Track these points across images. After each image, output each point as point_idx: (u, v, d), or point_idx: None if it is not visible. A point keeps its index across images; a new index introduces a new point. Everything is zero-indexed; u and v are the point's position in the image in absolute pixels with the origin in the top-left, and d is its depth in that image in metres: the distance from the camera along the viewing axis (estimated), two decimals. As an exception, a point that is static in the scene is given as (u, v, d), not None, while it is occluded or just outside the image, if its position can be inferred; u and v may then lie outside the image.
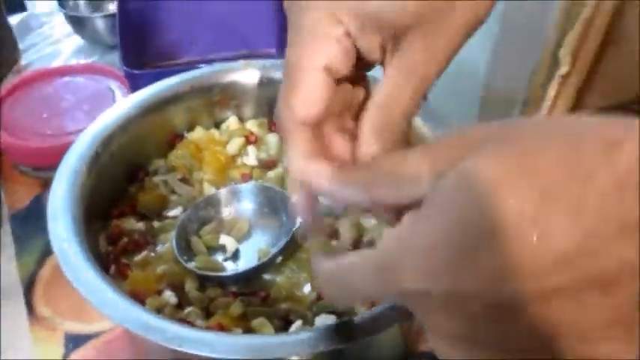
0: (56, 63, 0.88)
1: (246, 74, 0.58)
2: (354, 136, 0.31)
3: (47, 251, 0.60)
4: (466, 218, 0.17)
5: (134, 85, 0.67)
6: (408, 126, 0.29)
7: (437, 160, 0.21)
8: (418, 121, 0.52)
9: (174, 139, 0.57)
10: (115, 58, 0.81)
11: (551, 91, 0.44)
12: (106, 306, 0.37)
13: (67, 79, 0.80)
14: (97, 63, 0.83)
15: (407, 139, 0.29)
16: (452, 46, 0.29)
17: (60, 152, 0.67)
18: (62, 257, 0.39)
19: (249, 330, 0.42)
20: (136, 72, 0.65)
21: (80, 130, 0.69)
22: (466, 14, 0.28)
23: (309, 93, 0.29)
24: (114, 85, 0.78)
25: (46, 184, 0.68)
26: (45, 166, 0.69)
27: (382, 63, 0.30)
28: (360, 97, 0.32)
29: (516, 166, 0.17)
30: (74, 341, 0.53)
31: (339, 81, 0.31)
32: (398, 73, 0.29)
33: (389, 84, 0.29)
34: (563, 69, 0.42)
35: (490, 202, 0.16)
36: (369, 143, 0.29)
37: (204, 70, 0.58)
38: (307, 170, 0.29)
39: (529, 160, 0.16)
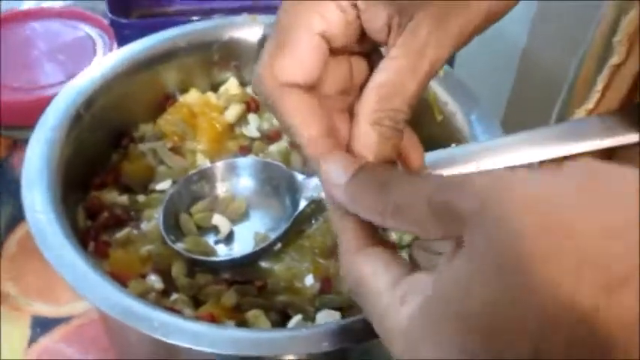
0: (27, 5, 0.90)
1: (250, 31, 0.59)
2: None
3: (14, 221, 0.62)
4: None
5: (120, 35, 0.68)
6: (410, 113, 0.30)
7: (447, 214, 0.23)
8: (444, 96, 0.54)
9: (165, 101, 0.58)
10: (95, 2, 0.82)
11: (601, 82, 0.46)
12: (84, 287, 0.39)
13: (39, 23, 0.81)
14: (75, 6, 0.84)
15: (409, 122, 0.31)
16: (468, 29, 0.29)
17: (30, 109, 0.69)
18: (37, 231, 0.41)
19: (242, 322, 0.44)
20: (124, 21, 0.66)
21: (54, 85, 0.72)
22: None
23: (299, 54, 0.30)
24: (94, 32, 0.80)
25: (15, 145, 0.70)
26: (12, 124, 0.71)
27: (387, 43, 0.31)
28: (363, 77, 0.34)
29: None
30: (42, 325, 0.55)
31: (338, 54, 0.32)
32: (402, 56, 0.29)
33: (391, 67, 0.30)
34: (616, 58, 0.43)
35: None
36: (366, 132, 0.30)
37: (202, 23, 0.59)
38: (317, 159, 0.30)
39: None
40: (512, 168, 0.24)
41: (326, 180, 0.29)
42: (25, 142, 0.69)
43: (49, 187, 0.45)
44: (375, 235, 0.28)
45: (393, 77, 0.30)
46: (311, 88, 0.32)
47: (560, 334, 0.19)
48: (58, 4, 0.88)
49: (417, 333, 0.23)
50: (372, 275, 0.26)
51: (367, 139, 0.30)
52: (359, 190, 0.27)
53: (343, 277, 0.28)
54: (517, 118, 0.87)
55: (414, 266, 0.26)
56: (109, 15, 0.67)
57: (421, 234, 0.25)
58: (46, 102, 0.68)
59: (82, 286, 0.39)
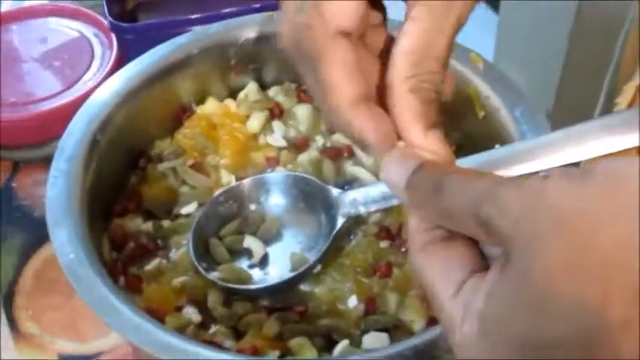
0: (13, 3, 0.95)
1: (268, 30, 0.65)
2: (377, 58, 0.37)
3: (27, 254, 0.70)
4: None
5: (122, 40, 0.75)
6: (445, 69, 0.35)
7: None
8: (486, 90, 0.60)
9: (182, 114, 0.65)
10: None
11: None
12: (124, 327, 0.46)
13: (26, 25, 0.88)
14: (69, 3, 0.90)
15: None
16: None
17: (29, 127, 0.77)
18: (70, 272, 0.49)
19: (286, 352, 0.51)
20: (125, 25, 0.73)
21: (53, 96, 0.79)
22: None
23: None
24: (89, 32, 0.87)
25: (16, 167, 0.78)
26: (11, 144, 0.78)
27: None
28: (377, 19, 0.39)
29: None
30: (70, 363, 0.63)
31: None
32: (427, 15, 0.34)
33: (417, 29, 0.34)
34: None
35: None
36: (407, 101, 0.35)
37: (215, 26, 0.66)
38: (387, 161, 0.35)
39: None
40: (545, 176, 0.29)
41: (387, 180, 0.34)
42: (27, 162, 0.77)
43: (75, 224, 0.52)
44: (439, 229, 0.33)
45: (421, 40, 0.34)
46: (358, 38, 0.36)
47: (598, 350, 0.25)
48: (43, 2, 0.94)
49: (479, 353, 0.29)
50: (432, 284, 0.31)
51: (410, 108, 0.35)
52: (415, 194, 0.32)
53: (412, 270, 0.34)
54: (567, 106, 0.93)
55: (475, 262, 0.31)
56: (109, 18, 0.74)
57: (475, 238, 0.31)
58: (45, 117, 0.76)
59: (123, 326, 0.47)
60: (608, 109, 0.73)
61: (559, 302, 0.26)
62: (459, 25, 0.35)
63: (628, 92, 0.62)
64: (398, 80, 0.35)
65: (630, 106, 0.63)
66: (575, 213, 0.26)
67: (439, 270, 0.31)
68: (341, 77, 0.36)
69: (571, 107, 1.00)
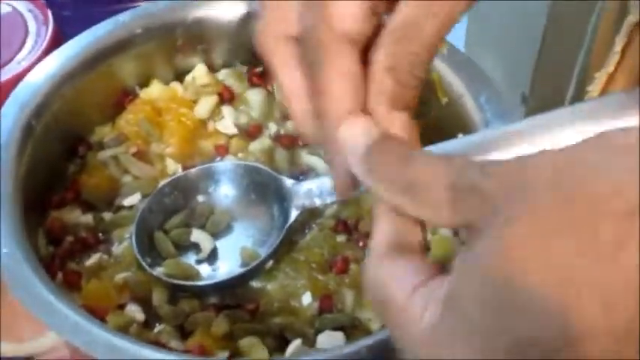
0: None
1: (219, 9, 0.67)
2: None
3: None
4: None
5: (59, 17, 0.76)
6: (430, 60, 0.36)
7: (459, 201, 0.30)
8: (450, 75, 0.62)
9: (124, 98, 0.66)
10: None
11: (619, 42, 0.54)
12: (64, 327, 0.48)
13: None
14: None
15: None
16: None
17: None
18: (5, 269, 0.50)
19: (236, 352, 0.53)
20: (63, 0, 0.74)
21: (-17, 78, 0.79)
22: None
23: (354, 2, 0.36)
24: (22, 7, 0.87)
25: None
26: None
27: None
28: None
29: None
30: (4, 366, 0.64)
31: None
32: None
33: (408, 7, 0.35)
34: (633, 17, 0.52)
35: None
36: (380, 78, 0.36)
37: (160, 3, 0.67)
38: (347, 125, 0.36)
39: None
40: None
41: (344, 143, 0.35)
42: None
43: (8, 216, 0.53)
44: (408, 242, 0.34)
45: (409, 18, 0.35)
46: (362, 47, 0.38)
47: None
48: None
49: (439, 345, 0.29)
50: (393, 282, 0.32)
51: (382, 85, 0.36)
52: (376, 160, 0.33)
53: (364, 280, 0.34)
54: (544, 89, 0.96)
55: (435, 271, 0.32)
56: (45, -8, 0.74)
57: (432, 218, 0.32)
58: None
59: (60, 326, 0.48)
60: (578, 97, 0.75)
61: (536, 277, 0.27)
62: (452, 12, 0.36)
63: (599, 80, 0.64)
64: (377, 56, 0.36)
65: (602, 94, 0.66)
66: (571, 163, 0.27)
67: (403, 271, 0.33)
68: (342, 88, 0.37)
69: (548, 91, 1.03)
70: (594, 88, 0.65)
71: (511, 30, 1.23)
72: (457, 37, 1.55)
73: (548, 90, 0.98)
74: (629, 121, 0.46)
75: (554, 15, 0.94)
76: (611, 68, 0.56)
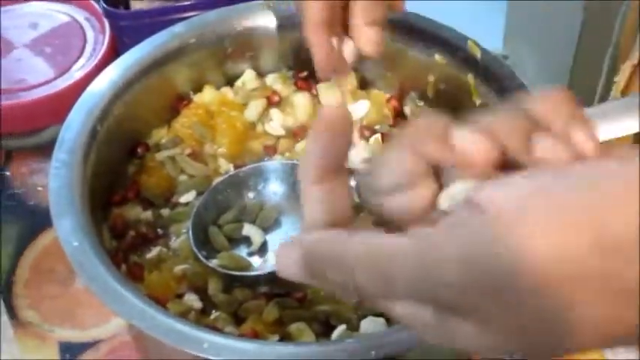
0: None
1: (265, 18, 0.71)
2: None
3: (23, 243, 0.76)
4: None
5: (116, 27, 0.81)
6: None
7: None
8: (483, 77, 0.66)
9: (178, 103, 0.71)
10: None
11: (640, 41, 0.58)
12: (131, 314, 0.52)
13: (19, 8, 0.93)
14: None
15: None
16: None
17: (23, 114, 0.83)
18: (75, 261, 0.54)
19: (286, 336, 0.57)
20: (120, 11, 0.79)
21: (46, 83, 0.85)
22: None
23: None
24: (80, 16, 0.92)
25: (9, 155, 0.83)
26: (3, 132, 0.84)
27: None
28: None
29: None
30: (70, 351, 0.69)
31: None
32: None
33: None
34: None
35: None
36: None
37: (211, 14, 0.71)
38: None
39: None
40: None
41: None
42: (20, 150, 0.83)
43: (78, 213, 0.58)
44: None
45: None
46: None
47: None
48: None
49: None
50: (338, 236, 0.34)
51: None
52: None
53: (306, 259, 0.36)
54: (582, 87, 1.00)
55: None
56: (102, 4, 0.79)
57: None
58: (38, 105, 0.82)
59: (128, 312, 0.52)
60: (607, 87, 0.79)
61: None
62: None
63: (625, 71, 0.68)
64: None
65: (628, 84, 0.69)
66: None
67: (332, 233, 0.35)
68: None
69: (584, 84, 1.06)
70: (621, 79, 0.69)
71: (549, 26, 1.26)
72: (496, 33, 1.59)
73: (584, 83, 1.01)
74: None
75: (590, 11, 0.98)
76: (635, 61, 0.60)
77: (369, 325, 0.58)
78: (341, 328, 0.58)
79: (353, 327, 0.58)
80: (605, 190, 0.30)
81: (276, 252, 0.39)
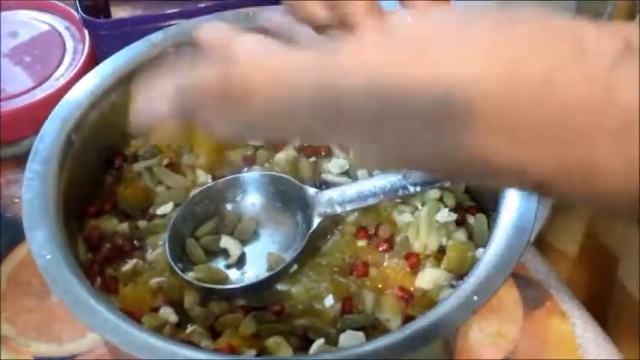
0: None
1: (247, 26, 0.70)
2: None
3: (0, 255, 0.75)
4: None
5: (95, 35, 0.80)
6: None
7: None
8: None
9: (156, 113, 0.70)
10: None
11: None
12: (104, 328, 0.51)
13: (-2, 16, 0.92)
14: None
15: None
16: None
17: (1, 124, 0.82)
18: (47, 273, 0.53)
19: (263, 351, 0.56)
20: (99, 20, 0.78)
21: (24, 93, 0.84)
22: None
23: None
24: (60, 25, 0.92)
25: (-12, 167, 0.82)
26: (-19, 141, 0.83)
27: None
28: None
29: None
30: (46, 366, 0.68)
31: None
32: None
33: None
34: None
35: None
36: None
37: (190, 23, 0.70)
38: None
39: None
40: None
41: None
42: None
43: (51, 225, 0.56)
44: None
45: None
46: None
47: None
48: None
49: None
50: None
51: None
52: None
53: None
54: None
55: None
56: (81, 13, 0.78)
57: None
58: (16, 115, 0.81)
59: (101, 327, 0.51)
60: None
61: None
62: None
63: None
64: None
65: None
66: None
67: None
68: None
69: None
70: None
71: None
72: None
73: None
74: None
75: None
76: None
77: (348, 339, 0.57)
78: (319, 342, 0.57)
79: (331, 341, 0.57)
80: (520, 31, 0.32)
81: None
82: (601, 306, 0.77)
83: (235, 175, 0.66)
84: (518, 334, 0.69)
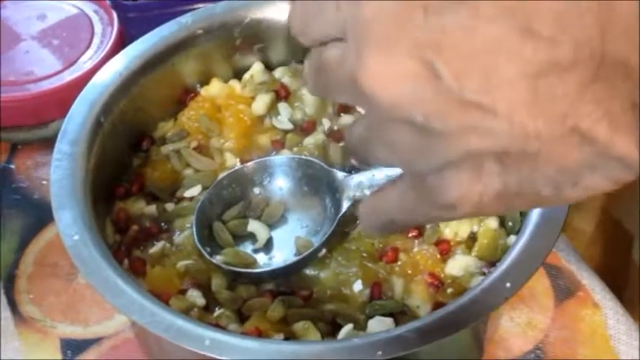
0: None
1: (274, 9, 0.70)
2: None
3: (27, 237, 0.75)
4: None
5: (124, 18, 0.80)
6: None
7: None
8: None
9: (185, 95, 0.70)
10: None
11: None
12: (131, 309, 0.51)
13: (19, 1, 0.92)
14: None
15: None
16: None
17: (28, 107, 0.82)
18: (75, 254, 0.53)
19: (290, 335, 0.56)
20: (128, 3, 0.78)
21: (52, 75, 0.84)
22: None
23: None
24: (88, 8, 0.91)
25: (14, 148, 0.83)
26: (9, 124, 0.83)
27: None
28: None
29: None
30: (72, 348, 0.68)
31: None
32: None
33: None
34: None
35: None
36: None
37: (219, 5, 0.70)
38: None
39: None
40: None
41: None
42: (25, 143, 0.82)
43: (79, 206, 0.57)
44: None
45: None
46: None
47: None
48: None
49: None
50: None
51: None
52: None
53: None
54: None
55: None
56: (111, -5, 0.78)
57: None
58: (45, 97, 0.81)
59: (128, 308, 0.51)
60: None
61: None
62: None
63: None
64: None
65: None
66: None
67: None
68: None
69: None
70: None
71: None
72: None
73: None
74: None
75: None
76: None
77: (377, 324, 0.57)
78: (348, 328, 0.57)
79: (360, 327, 0.57)
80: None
81: None
82: (616, 284, 0.76)
83: (263, 159, 0.65)
84: (549, 324, 0.68)
